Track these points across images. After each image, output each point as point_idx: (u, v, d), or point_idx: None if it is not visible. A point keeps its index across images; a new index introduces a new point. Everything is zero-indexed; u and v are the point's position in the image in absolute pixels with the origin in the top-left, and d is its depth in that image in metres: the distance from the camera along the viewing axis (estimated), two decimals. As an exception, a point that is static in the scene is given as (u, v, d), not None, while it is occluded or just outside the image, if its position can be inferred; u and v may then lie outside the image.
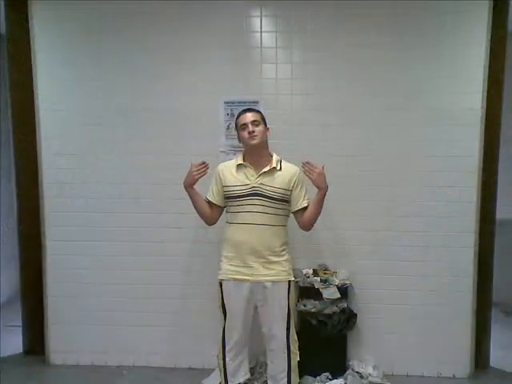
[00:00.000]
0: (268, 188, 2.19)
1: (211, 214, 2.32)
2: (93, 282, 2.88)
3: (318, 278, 2.67)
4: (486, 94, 2.65)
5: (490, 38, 2.61)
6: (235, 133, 2.38)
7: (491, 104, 2.68)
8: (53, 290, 2.90)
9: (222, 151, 2.78)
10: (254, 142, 2.19)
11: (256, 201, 2.19)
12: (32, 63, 2.79)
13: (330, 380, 2.63)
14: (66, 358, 2.93)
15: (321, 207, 2.22)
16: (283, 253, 2.24)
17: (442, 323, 2.76)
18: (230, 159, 2.37)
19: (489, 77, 2.64)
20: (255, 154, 2.24)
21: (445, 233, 2.73)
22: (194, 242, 2.83)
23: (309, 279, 2.69)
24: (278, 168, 2.24)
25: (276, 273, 2.20)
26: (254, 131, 2.18)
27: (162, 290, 2.86)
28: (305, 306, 2.65)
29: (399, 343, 2.79)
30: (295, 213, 2.28)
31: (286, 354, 2.23)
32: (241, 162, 2.26)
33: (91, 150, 2.83)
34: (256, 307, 2.27)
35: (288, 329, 2.23)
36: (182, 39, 2.74)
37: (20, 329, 3.11)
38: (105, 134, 2.82)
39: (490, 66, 2.64)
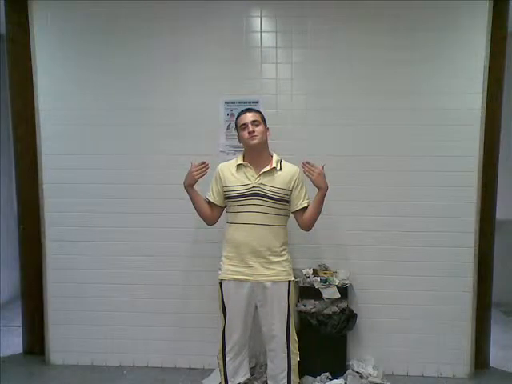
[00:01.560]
0: (268, 188, 2.19)
1: (211, 214, 2.32)
2: (93, 282, 2.88)
3: (318, 278, 2.67)
4: (485, 94, 2.65)
5: (490, 38, 2.61)
6: (235, 133, 2.38)
7: (491, 104, 2.68)
8: (53, 290, 2.90)
9: (221, 151, 2.78)
10: (254, 141, 2.19)
11: (256, 201, 2.18)
12: (32, 63, 2.79)
13: (330, 380, 2.63)
14: (65, 358, 2.93)
15: (321, 207, 2.22)
16: (283, 253, 2.24)
17: (441, 323, 2.76)
18: (230, 159, 2.37)
19: (489, 77, 2.64)
20: (255, 154, 2.23)
21: (445, 233, 2.73)
22: (194, 242, 2.83)
23: (309, 279, 2.70)
24: (278, 168, 2.24)
25: (276, 273, 2.20)
26: (254, 131, 2.18)
27: (161, 289, 2.86)
28: (305, 306, 2.65)
29: (399, 343, 2.79)
30: (295, 213, 2.27)
31: (286, 354, 2.23)
32: (241, 161, 2.26)
33: (91, 150, 2.83)
34: (256, 307, 2.27)
35: (288, 329, 2.23)
36: (182, 39, 2.74)
37: (20, 329, 3.11)
38: (105, 134, 2.82)
39: (489, 66, 2.64)
